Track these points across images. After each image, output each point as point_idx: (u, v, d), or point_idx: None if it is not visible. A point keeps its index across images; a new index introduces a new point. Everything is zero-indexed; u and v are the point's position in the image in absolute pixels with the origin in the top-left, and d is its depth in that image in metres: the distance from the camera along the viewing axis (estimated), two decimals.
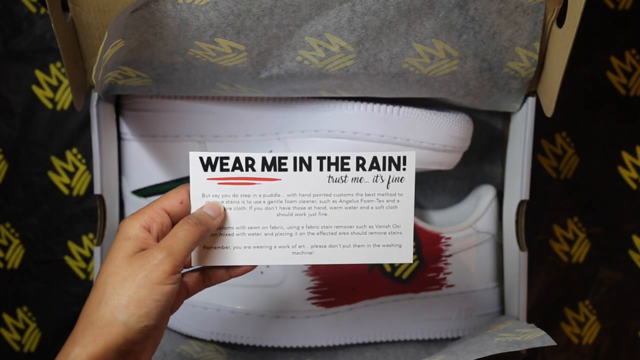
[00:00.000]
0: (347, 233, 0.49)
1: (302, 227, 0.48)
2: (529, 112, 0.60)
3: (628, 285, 0.73)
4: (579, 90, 0.71)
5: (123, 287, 0.43)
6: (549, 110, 0.57)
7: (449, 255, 0.64)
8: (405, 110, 0.60)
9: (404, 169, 0.48)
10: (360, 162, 0.48)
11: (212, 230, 0.47)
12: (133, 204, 0.65)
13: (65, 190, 0.71)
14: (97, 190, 0.60)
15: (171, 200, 0.47)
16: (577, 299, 0.73)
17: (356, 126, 0.60)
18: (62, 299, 0.71)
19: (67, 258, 0.71)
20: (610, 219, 0.73)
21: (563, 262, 0.73)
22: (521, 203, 0.62)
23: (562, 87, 0.54)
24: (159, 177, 0.64)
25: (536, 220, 0.71)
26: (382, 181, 0.48)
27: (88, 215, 0.71)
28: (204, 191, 0.47)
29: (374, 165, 0.48)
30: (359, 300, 0.64)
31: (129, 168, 0.64)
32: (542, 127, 0.65)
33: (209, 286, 0.50)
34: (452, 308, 0.65)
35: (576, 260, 0.73)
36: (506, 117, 0.67)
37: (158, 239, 0.45)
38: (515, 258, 0.62)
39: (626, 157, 0.72)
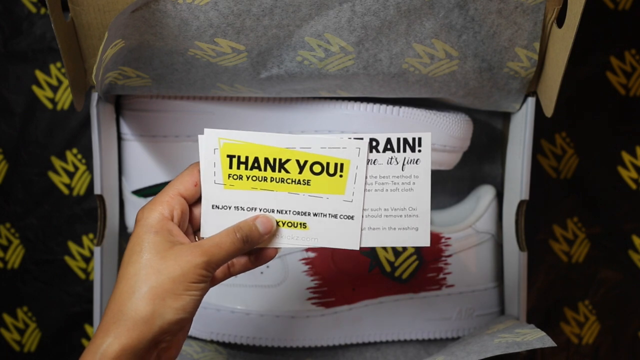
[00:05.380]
0: (363, 217, 0.48)
1: None
2: (529, 112, 0.60)
3: (628, 285, 0.73)
4: (579, 90, 0.71)
5: (158, 280, 0.42)
6: (548, 110, 0.57)
7: (449, 255, 0.64)
8: (405, 110, 0.60)
9: (419, 151, 0.47)
10: (374, 143, 0.47)
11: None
12: (133, 204, 0.65)
13: (65, 190, 0.71)
14: (97, 190, 0.60)
15: (186, 185, 0.46)
16: (577, 299, 0.73)
17: (356, 126, 0.60)
18: (62, 299, 0.71)
19: (67, 258, 0.71)
20: (610, 219, 0.73)
21: (563, 262, 0.73)
22: (521, 203, 0.62)
23: (562, 87, 0.54)
24: (159, 177, 0.64)
25: (536, 220, 0.71)
26: (397, 163, 0.47)
27: (88, 215, 0.71)
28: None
29: (388, 147, 0.47)
30: (359, 300, 0.64)
31: (129, 168, 0.64)
32: (542, 127, 0.65)
33: (234, 275, 0.49)
34: (452, 308, 0.65)
35: (576, 260, 0.73)
36: (506, 117, 0.67)
37: (179, 227, 0.45)
38: (515, 258, 0.62)
39: (626, 157, 0.72)
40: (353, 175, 0.47)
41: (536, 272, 0.72)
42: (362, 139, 0.47)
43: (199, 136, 0.46)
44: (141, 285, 0.42)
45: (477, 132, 0.67)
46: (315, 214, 0.47)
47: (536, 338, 0.51)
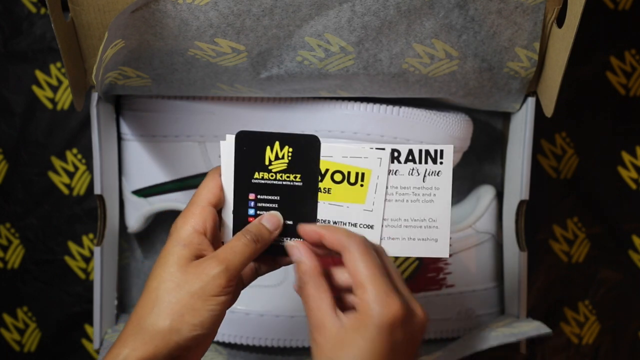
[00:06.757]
0: (382, 226, 0.48)
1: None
2: (529, 112, 0.60)
3: (628, 285, 0.73)
4: (579, 90, 0.71)
5: (177, 295, 0.43)
6: (548, 110, 0.57)
7: (449, 255, 0.64)
8: (405, 110, 0.60)
9: (441, 163, 0.47)
10: (396, 154, 0.47)
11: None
12: (133, 204, 0.65)
13: (65, 190, 0.71)
14: (97, 190, 0.60)
15: (213, 191, 0.46)
16: (577, 299, 0.73)
17: (356, 126, 0.60)
18: (62, 299, 0.71)
19: (67, 258, 0.71)
20: (610, 219, 0.73)
21: (563, 262, 0.73)
22: (521, 203, 0.62)
23: (562, 87, 0.54)
24: (159, 177, 0.64)
25: (536, 220, 0.71)
26: (418, 174, 0.47)
27: (88, 215, 0.71)
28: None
29: (410, 158, 0.47)
30: None
31: (129, 168, 0.64)
32: (542, 127, 0.65)
33: (261, 275, 0.49)
34: (452, 308, 0.65)
35: (576, 260, 0.73)
36: (506, 117, 0.67)
37: (213, 239, 0.45)
38: (515, 258, 0.62)
39: (626, 157, 0.72)
40: (374, 185, 0.47)
41: (536, 272, 0.72)
42: (384, 149, 0.47)
43: (221, 142, 0.46)
44: (161, 300, 0.43)
45: (477, 132, 0.67)
46: (335, 222, 0.47)
47: (532, 327, 0.52)
